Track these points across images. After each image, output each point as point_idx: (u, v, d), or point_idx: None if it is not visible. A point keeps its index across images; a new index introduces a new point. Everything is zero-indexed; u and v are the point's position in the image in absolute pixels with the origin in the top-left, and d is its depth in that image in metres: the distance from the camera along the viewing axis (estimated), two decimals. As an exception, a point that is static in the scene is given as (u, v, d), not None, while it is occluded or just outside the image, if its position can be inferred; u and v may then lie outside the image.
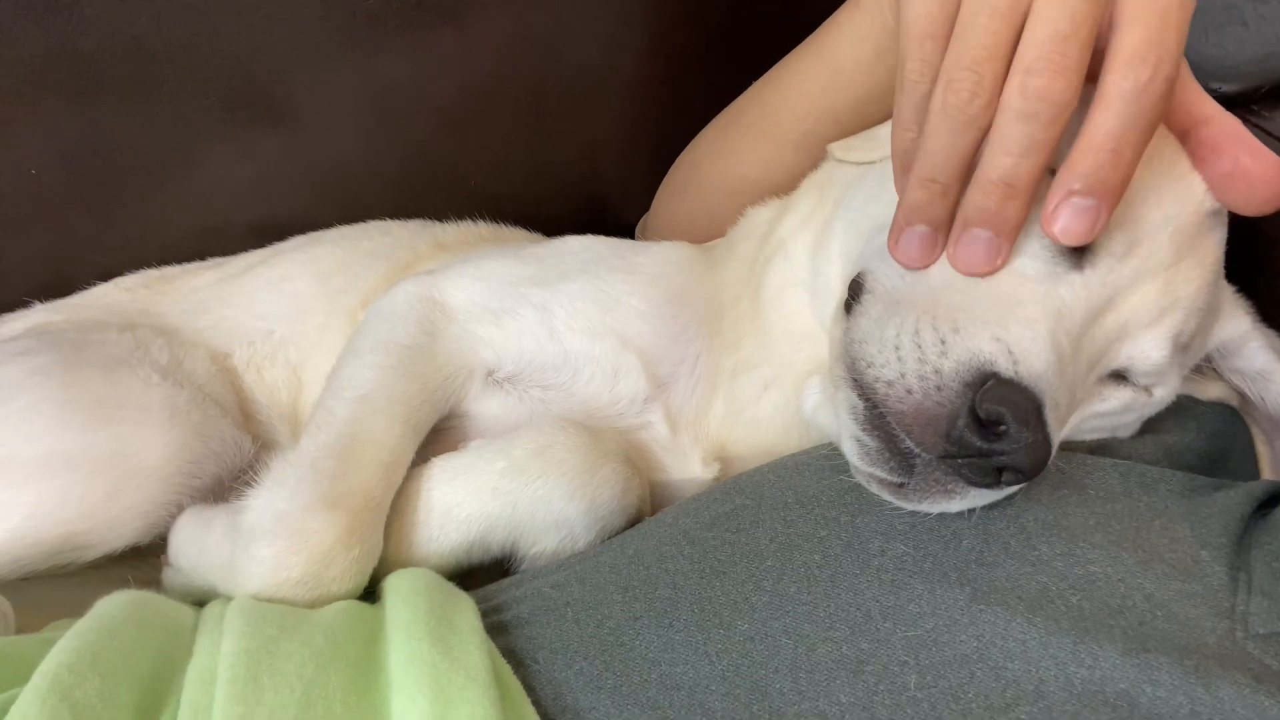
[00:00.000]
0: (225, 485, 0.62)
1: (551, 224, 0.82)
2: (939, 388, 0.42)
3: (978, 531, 0.45)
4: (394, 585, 0.48)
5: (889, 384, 0.44)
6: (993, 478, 0.42)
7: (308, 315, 0.74)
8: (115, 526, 0.57)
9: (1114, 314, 0.47)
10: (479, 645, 0.44)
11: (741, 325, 0.62)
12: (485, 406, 0.60)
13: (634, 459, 0.57)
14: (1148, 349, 0.49)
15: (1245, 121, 0.46)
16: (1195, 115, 0.46)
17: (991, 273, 0.46)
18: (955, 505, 0.44)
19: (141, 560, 0.59)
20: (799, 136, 0.67)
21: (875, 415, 0.45)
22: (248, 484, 0.52)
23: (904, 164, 0.46)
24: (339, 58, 0.75)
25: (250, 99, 0.74)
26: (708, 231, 0.71)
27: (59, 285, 0.76)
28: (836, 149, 0.62)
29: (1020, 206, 0.43)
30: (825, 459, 0.51)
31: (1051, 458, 0.42)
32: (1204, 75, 0.50)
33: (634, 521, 0.56)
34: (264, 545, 0.49)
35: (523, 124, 0.84)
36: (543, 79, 0.83)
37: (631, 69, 0.86)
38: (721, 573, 0.47)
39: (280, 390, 0.73)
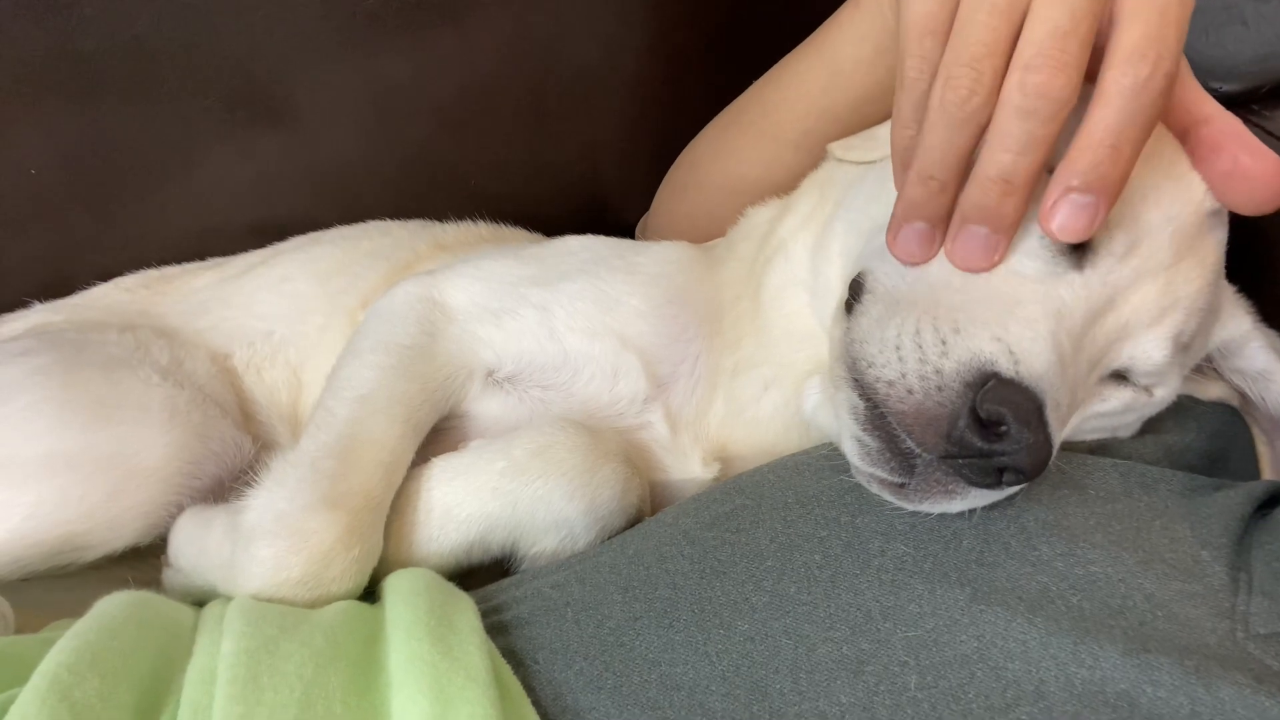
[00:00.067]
0: (225, 486, 0.62)
1: (551, 224, 0.82)
2: (940, 388, 0.42)
3: (978, 532, 0.45)
4: (394, 585, 0.48)
5: (890, 384, 0.44)
6: (993, 478, 0.42)
7: (308, 316, 0.74)
8: (115, 527, 0.57)
9: (1115, 314, 0.47)
10: (479, 645, 0.44)
11: (741, 325, 0.62)
12: (485, 406, 0.60)
13: (634, 459, 0.57)
14: (1148, 349, 0.49)
15: (1246, 121, 0.46)
16: (1195, 114, 0.46)
17: (989, 268, 0.46)
18: (956, 506, 0.44)
19: (141, 561, 0.59)
20: (799, 136, 0.67)
21: (876, 415, 0.45)
22: (248, 484, 0.52)
23: (904, 161, 0.46)
24: (339, 58, 0.75)
25: (250, 99, 0.74)
26: (708, 231, 0.71)
27: (59, 285, 0.76)
28: (836, 148, 0.62)
29: (1018, 203, 0.43)
30: (825, 459, 0.51)
31: (1052, 458, 0.42)
32: (1204, 75, 0.50)
33: (634, 521, 0.56)
34: (264, 545, 0.49)
35: (523, 124, 0.84)
36: (543, 79, 0.83)
37: (631, 69, 0.86)
38: (721, 573, 0.47)
39: (280, 391, 0.73)
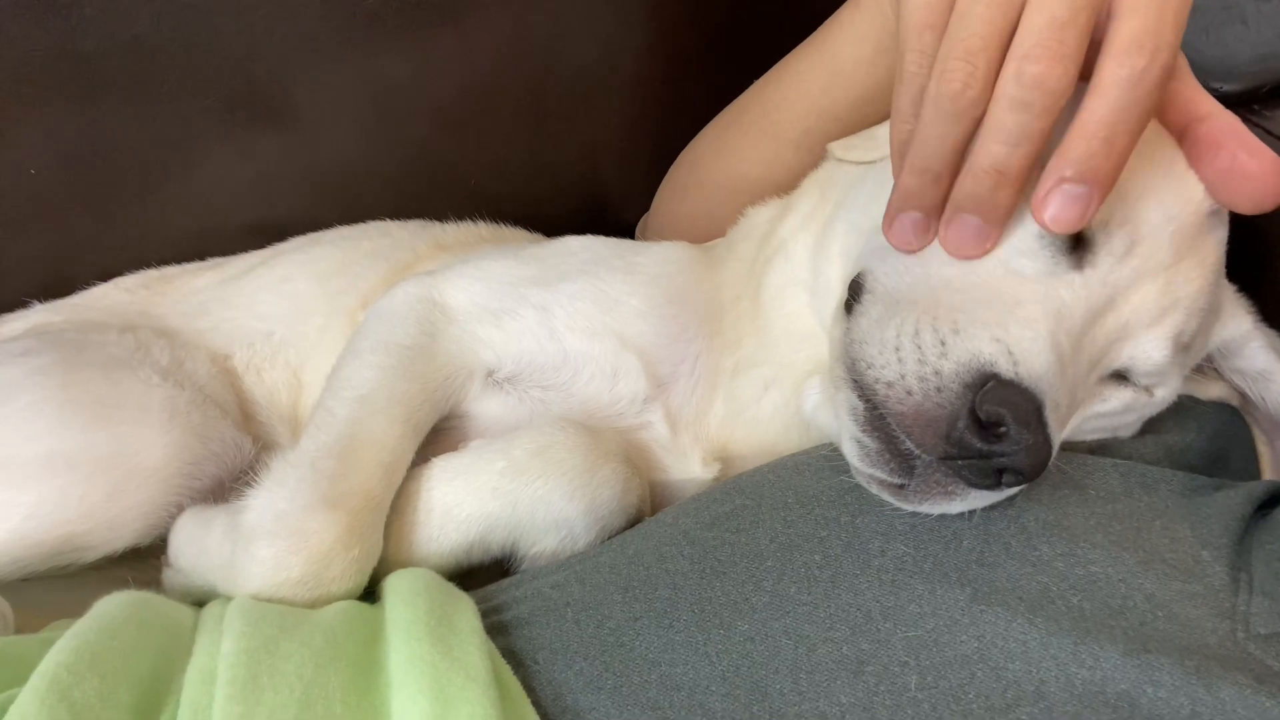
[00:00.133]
0: (225, 486, 0.62)
1: (551, 224, 0.82)
2: (939, 389, 0.42)
3: (978, 532, 0.45)
4: (394, 585, 0.48)
5: (889, 385, 0.43)
6: (993, 479, 0.42)
7: (308, 316, 0.74)
8: (115, 527, 0.57)
9: (1115, 314, 0.47)
10: (479, 645, 0.44)
11: (741, 325, 0.62)
12: (485, 407, 0.60)
13: (634, 459, 0.57)
14: (1149, 349, 0.48)
15: (1246, 121, 0.46)
16: (1193, 113, 0.46)
17: (981, 255, 0.46)
18: (955, 507, 0.44)
19: (141, 561, 0.59)
20: (799, 135, 0.67)
21: (875, 416, 0.45)
22: (248, 485, 0.52)
23: (902, 154, 0.46)
24: (339, 58, 0.75)
25: (250, 99, 0.74)
26: (708, 231, 0.71)
27: (59, 285, 0.76)
28: (836, 148, 0.62)
29: (1011, 194, 0.43)
30: (825, 459, 0.51)
31: (1052, 459, 0.42)
32: (1205, 74, 0.50)
33: (634, 521, 0.56)
34: (264, 545, 0.49)
35: (523, 124, 0.84)
36: (543, 79, 0.83)
37: (631, 69, 0.86)
38: (721, 573, 0.47)
39: (280, 391, 0.73)
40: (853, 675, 0.42)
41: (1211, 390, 0.58)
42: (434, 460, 0.56)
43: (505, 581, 0.53)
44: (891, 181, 0.49)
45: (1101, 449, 0.52)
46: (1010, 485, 0.43)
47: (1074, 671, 0.39)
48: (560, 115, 0.85)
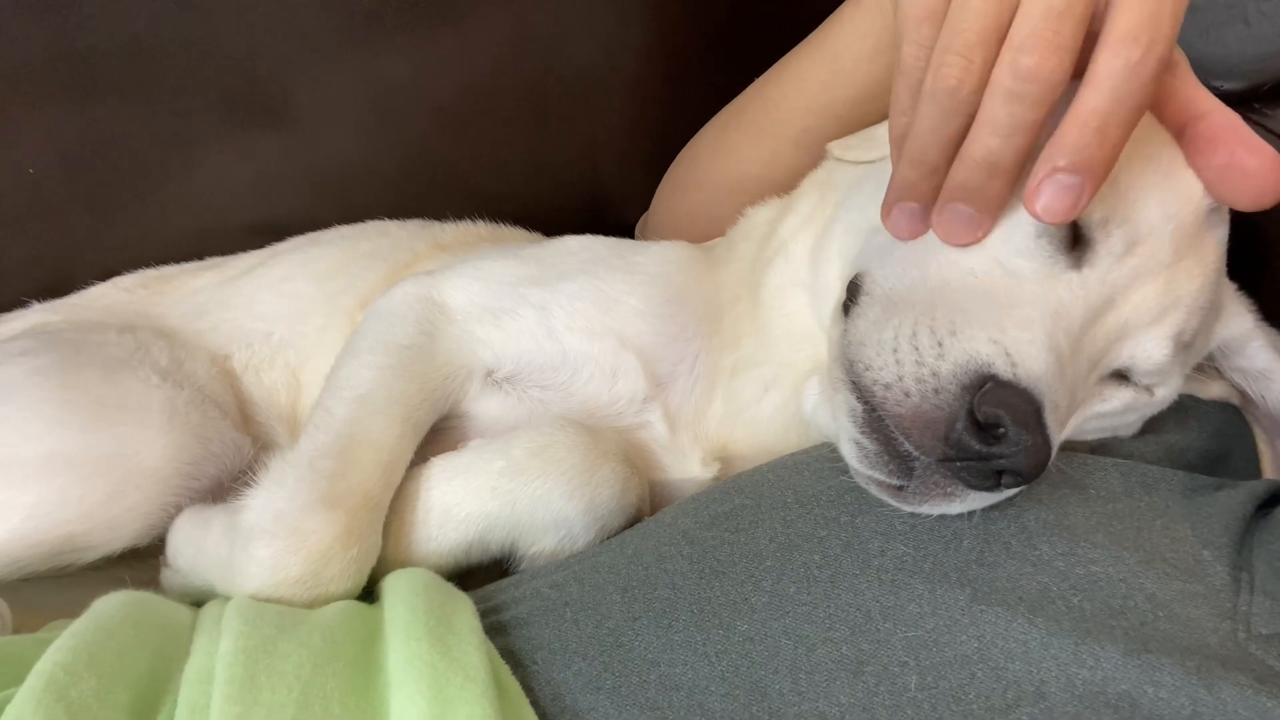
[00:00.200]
0: (224, 487, 0.62)
1: (551, 224, 0.82)
2: (936, 390, 0.42)
3: (978, 531, 0.45)
4: (392, 585, 0.48)
5: (886, 387, 0.43)
6: (992, 481, 0.42)
7: (307, 317, 0.74)
8: (115, 527, 0.57)
9: (1114, 313, 0.47)
10: (478, 646, 0.44)
11: (741, 325, 0.62)
12: (484, 406, 0.60)
13: (633, 458, 0.57)
14: (1149, 348, 0.48)
15: (1247, 119, 0.46)
16: (1192, 110, 0.46)
17: (973, 243, 0.46)
18: (955, 508, 0.44)
19: (140, 561, 0.59)
20: (799, 133, 0.67)
21: (873, 418, 0.44)
22: (247, 485, 0.52)
23: (900, 145, 0.46)
24: (339, 58, 0.75)
25: (250, 99, 0.74)
26: (708, 230, 0.71)
27: (58, 285, 0.76)
28: (835, 148, 0.62)
29: (1003, 185, 0.43)
30: (825, 459, 0.51)
31: (1051, 459, 0.42)
32: (1205, 73, 0.50)
33: (633, 521, 0.56)
34: (262, 545, 0.48)
35: (523, 124, 0.84)
36: (543, 79, 0.83)
37: (631, 69, 0.86)
38: (721, 573, 0.47)
39: (279, 392, 0.73)
40: (852, 675, 0.42)
41: (1212, 389, 0.58)
42: (433, 460, 0.56)
43: (504, 581, 0.53)
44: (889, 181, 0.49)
45: (1102, 448, 0.52)
46: (1009, 486, 0.42)
47: (1074, 672, 0.39)
48: (560, 115, 0.85)
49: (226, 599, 0.48)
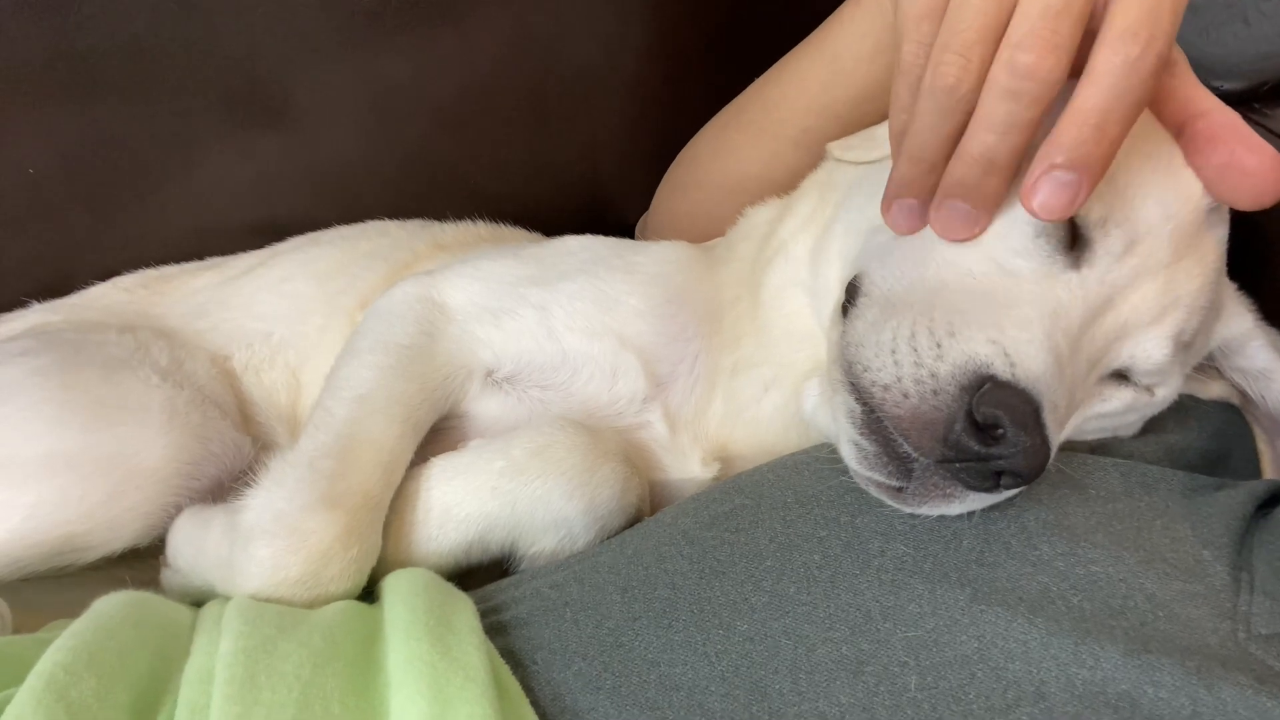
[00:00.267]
0: (224, 487, 0.62)
1: (551, 224, 0.82)
2: (935, 392, 0.42)
3: (978, 532, 0.45)
4: (392, 585, 0.48)
5: (885, 388, 0.43)
6: (991, 482, 0.42)
7: (307, 317, 0.74)
8: (115, 528, 0.57)
9: (1114, 313, 0.47)
10: (478, 646, 0.44)
11: (741, 325, 0.62)
12: (484, 406, 0.60)
13: (633, 458, 0.57)
14: (1149, 348, 0.48)
15: (1246, 119, 0.46)
16: (1192, 109, 0.46)
17: (970, 239, 0.46)
18: (954, 509, 0.44)
19: (140, 561, 0.59)
20: (799, 133, 0.67)
21: (872, 419, 0.44)
22: (247, 485, 0.52)
23: (900, 142, 0.46)
24: (339, 58, 0.75)
25: (250, 99, 0.74)
26: (708, 230, 0.71)
27: (58, 285, 0.76)
28: (835, 148, 0.62)
29: (1000, 182, 0.43)
30: (825, 459, 0.50)
31: (1051, 460, 0.42)
32: (1206, 73, 0.50)
33: (633, 521, 0.56)
34: (262, 545, 0.48)
35: (523, 124, 0.84)
36: (543, 79, 0.83)
37: (631, 69, 0.86)
38: (721, 573, 0.47)
39: (279, 392, 0.73)
40: (852, 675, 0.42)
41: (1212, 389, 0.58)
42: (433, 460, 0.56)
43: (504, 581, 0.53)
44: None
45: (1102, 448, 0.52)
46: (1009, 487, 0.42)
47: (1074, 672, 0.39)
48: (560, 115, 0.85)
49: (226, 599, 0.48)
